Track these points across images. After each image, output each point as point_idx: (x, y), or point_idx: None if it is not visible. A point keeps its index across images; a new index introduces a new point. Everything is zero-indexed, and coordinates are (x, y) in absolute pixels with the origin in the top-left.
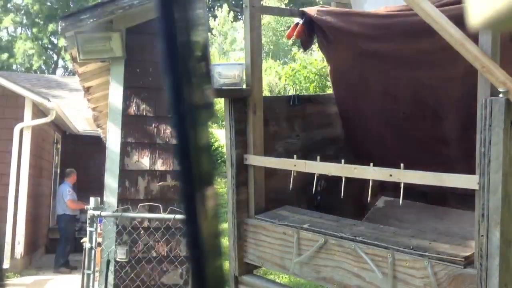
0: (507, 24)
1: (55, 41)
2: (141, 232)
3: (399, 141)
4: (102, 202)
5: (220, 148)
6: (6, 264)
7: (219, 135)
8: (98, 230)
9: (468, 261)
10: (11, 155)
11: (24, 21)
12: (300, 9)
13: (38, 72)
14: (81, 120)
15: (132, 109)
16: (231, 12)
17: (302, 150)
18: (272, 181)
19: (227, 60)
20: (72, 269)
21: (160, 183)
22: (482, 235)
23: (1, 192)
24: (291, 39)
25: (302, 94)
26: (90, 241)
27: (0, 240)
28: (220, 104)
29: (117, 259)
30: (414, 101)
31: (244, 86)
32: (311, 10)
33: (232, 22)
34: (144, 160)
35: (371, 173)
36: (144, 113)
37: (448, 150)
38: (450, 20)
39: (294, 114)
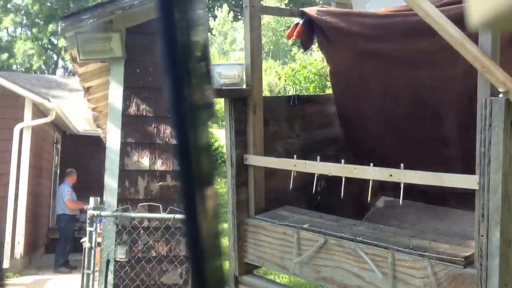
0: (507, 24)
1: (55, 42)
2: (141, 232)
3: (399, 141)
4: (102, 202)
5: (220, 148)
6: (6, 264)
7: (219, 135)
8: (98, 230)
9: (468, 261)
10: (11, 155)
11: (24, 21)
12: (300, 9)
13: (38, 72)
14: (81, 120)
15: (132, 109)
16: (231, 12)
17: (302, 150)
18: (272, 181)
19: (227, 60)
20: (72, 269)
21: (160, 183)
22: (482, 235)
23: (1, 192)
24: (291, 39)
25: (302, 94)
26: (90, 241)
27: (0, 240)
28: (220, 104)
29: (117, 259)
30: (414, 101)
31: (244, 86)
32: (311, 10)
33: (232, 22)
34: (144, 160)
35: (371, 173)
36: (144, 113)
37: (448, 150)
38: (450, 20)
39: (294, 114)
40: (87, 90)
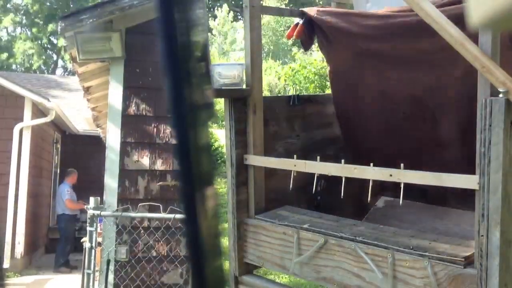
0: (507, 24)
1: (55, 41)
2: (141, 231)
3: (399, 141)
4: (102, 201)
5: (220, 148)
6: (6, 264)
7: (219, 135)
8: (98, 230)
9: (468, 261)
10: (11, 155)
11: (24, 21)
12: (300, 9)
13: (38, 72)
14: (80, 120)
15: (132, 109)
16: (231, 12)
17: (302, 150)
18: (272, 181)
19: (227, 60)
20: (72, 268)
21: (160, 183)
22: (482, 235)
23: (1, 192)
24: (291, 39)
25: (302, 94)
26: (90, 241)
27: (0, 240)
28: (220, 104)
29: (117, 259)
30: (414, 101)
31: (244, 86)
32: (311, 10)
33: (232, 22)
34: (144, 160)
35: (371, 173)
36: (144, 113)
37: (448, 150)
38: (450, 20)
39: (294, 114)
40: (86, 89)
